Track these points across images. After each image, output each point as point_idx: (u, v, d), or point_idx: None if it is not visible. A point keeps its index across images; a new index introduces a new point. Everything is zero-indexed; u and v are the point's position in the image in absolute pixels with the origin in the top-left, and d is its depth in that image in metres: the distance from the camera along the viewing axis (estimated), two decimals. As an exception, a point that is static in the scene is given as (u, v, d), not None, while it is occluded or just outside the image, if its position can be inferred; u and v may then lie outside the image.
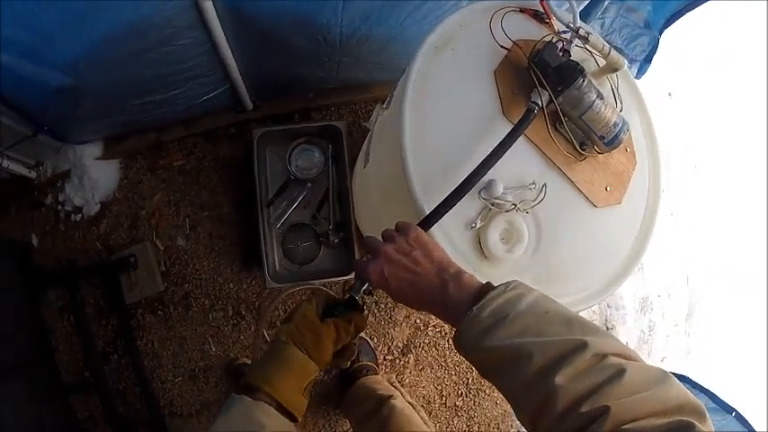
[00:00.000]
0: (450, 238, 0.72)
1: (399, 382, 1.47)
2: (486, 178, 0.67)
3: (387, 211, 0.99)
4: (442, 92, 0.74)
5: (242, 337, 1.42)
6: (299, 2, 0.95)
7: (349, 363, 0.71)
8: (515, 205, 0.71)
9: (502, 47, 0.76)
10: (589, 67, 0.80)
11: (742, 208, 1.98)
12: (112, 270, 1.37)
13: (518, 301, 0.49)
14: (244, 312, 1.41)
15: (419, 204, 0.69)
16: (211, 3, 0.88)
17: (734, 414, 1.53)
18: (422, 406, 1.50)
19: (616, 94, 0.82)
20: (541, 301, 0.50)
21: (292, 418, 0.55)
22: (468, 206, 0.71)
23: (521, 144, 0.72)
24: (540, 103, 0.69)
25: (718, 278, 1.95)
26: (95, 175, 1.43)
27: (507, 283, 0.51)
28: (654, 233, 0.85)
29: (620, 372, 0.40)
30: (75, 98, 1.05)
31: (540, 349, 0.44)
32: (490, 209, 0.71)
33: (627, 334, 1.83)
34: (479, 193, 0.70)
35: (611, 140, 0.72)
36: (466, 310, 0.50)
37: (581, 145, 0.76)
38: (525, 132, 0.71)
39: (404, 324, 1.48)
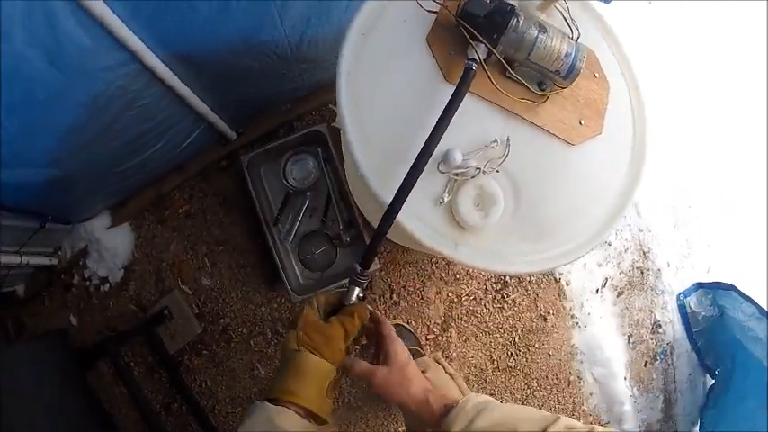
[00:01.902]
0: (422, 219, 0.71)
1: (447, 357, 1.50)
2: (441, 150, 0.66)
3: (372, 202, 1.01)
4: (379, 76, 0.73)
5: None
6: (236, 30, 0.97)
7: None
8: (479, 169, 0.70)
9: (429, 11, 0.73)
10: (532, 3, 0.78)
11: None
12: (150, 326, 1.45)
13: (486, 404, 0.60)
14: (281, 330, 1.48)
15: (379, 198, 0.68)
16: (158, 59, 0.90)
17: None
18: (475, 375, 1.52)
19: (569, 22, 0.80)
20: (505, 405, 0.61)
21: (320, 421, 0.58)
22: (432, 182, 0.70)
23: (471, 104, 0.71)
24: (477, 57, 0.67)
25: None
26: (111, 244, 1.52)
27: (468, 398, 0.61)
28: (649, 156, 0.82)
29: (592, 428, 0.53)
30: (66, 185, 1.11)
31: (523, 425, 0.54)
32: (455, 179, 0.70)
33: (667, 249, 1.78)
34: (438, 166, 0.69)
35: (568, 72, 0.70)
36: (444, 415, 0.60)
37: (539, 85, 0.74)
38: (473, 90, 0.70)
39: (437, 300, 1.51)
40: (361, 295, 0.66)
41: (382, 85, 0.73)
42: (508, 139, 0.71)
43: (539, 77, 0.73)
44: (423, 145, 0.63)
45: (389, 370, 0.65)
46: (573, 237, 0.78)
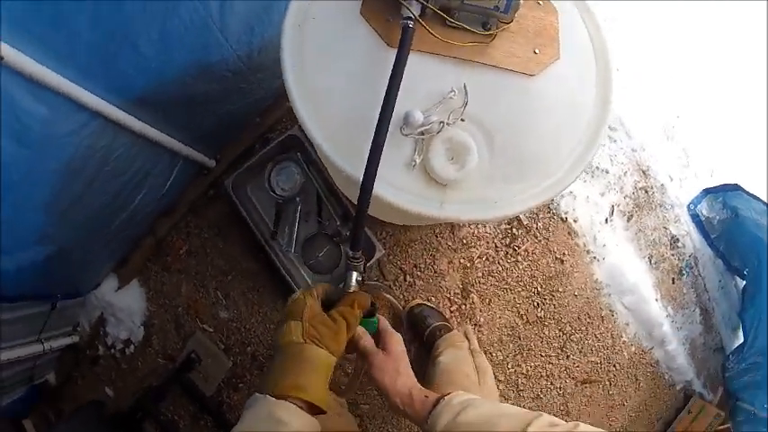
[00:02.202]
0: (399, 186, 0.70)
1: (475, 324, 1.50)
2: (400, 114, 0.66)
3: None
4: (325, 61, 0.73)
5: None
6: (184, 59, 0.96)
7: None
8: (443, 123, 0.69)
9: None
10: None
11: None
12: (181, 374, 1.45)
13: (471, 402, 0.63)
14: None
15: (352, 176, 0.68)
16: (117, 109, 0.90)
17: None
18: (507, 335, 1.52)
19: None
20: (489, 402, 0.64)
21: (319, 411, 0.59)
22: (400, 147, 0.70)
23: (419, 62, 0.70)
24: (412, 14, 0.67)
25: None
26: (125, 304, 1.52)
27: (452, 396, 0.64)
28: (615, 73, 0.81)
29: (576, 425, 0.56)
30: (64, 257, 1.10)
31: (505, 420, 0.57)
32: (422, 139, 0.70)
33: (665, 163, 1.76)
34: (401, 130, 0.68)
35: (508, 5, 0.69)
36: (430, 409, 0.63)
37: (483, 26, 0.73)
38: (417, 48, 0.69)
39: (450, 270, 1.50)
40: (360, 279, 0.66)
41: (330, 69, 0.74)
42: (465, 86, 0.70)
43: (481, 18, 0.72)
44: (379, 119, 0.63)
45: (386, 358, 0.69)
46: (557, 166, 0.77)
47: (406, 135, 0.68)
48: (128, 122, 0.96)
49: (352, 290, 0.67)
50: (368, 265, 1.36)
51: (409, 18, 0.66)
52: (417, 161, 0.70)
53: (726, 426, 1.68)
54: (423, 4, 0.68)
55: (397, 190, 0.70)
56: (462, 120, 0.70)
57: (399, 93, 0.63)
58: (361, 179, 0.62)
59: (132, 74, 0.90)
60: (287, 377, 0.58)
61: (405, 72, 0.64)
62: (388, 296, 1.47)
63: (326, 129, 0.72)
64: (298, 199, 1.49)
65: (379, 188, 0.66)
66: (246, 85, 1.28)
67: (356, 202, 0.63)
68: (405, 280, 1.48)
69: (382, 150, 0.62)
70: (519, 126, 0.73)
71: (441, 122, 0.68)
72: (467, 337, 1.29)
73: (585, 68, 0.82)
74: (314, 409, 0.59)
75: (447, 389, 0.66)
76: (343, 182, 1.03)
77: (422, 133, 0.69)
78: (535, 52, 0.75)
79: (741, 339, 1.94)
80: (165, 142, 1.15)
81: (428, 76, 0.71)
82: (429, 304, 1.48)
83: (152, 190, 1.28)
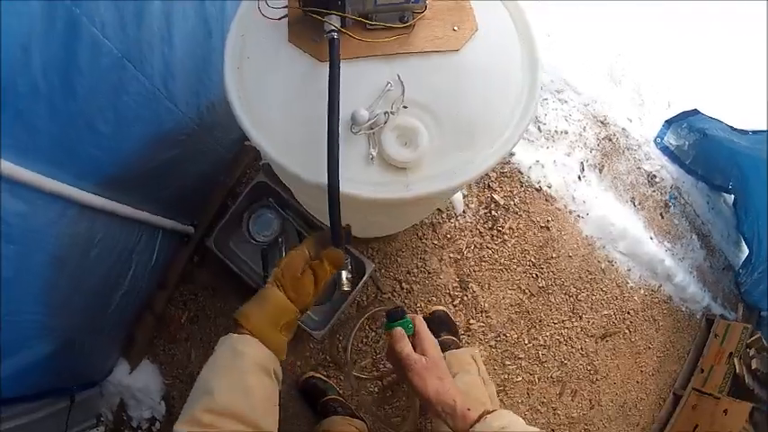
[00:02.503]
0: (364, 181, 0.75)
1: (482, 311, 1.51)
2: (346, 117, 0.71)
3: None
4: (267, 91, 0.79)
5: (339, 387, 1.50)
6: (141, 132, 1.00)
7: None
8: (388, 113, 0.74)
9: (282, 18, 0.79)
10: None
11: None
12: None
13: (510, 425, 0.63)
14: (325, 373, 1.49)
15: (320, 184, 0.72)
16: (89, 194, 0.93)
17: (750, 133, 1.55)
18: (515, 313, 1.53)
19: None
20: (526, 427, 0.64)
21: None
22: (354, 145, 0.75)
23: (352, 67, 0.75)
24: (334, 27, 0.72)
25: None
26: (141, 384, 1.53)
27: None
28: (536, 30, 0.86)
29: None
30: (69, 348, 1.11)
31: None
32: (372, 132, 0.75)
33: (620, 108, 1.80)
34: (351, 130, 0.74)
35: None
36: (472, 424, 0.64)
37: (401, 20, 0.77)
38: (347, 56, 0.74)
39: (443, 267, 1.52)
40: (349, 276, 0.70)
41: (274, 96, 0.80)
42: (399, 77, 0.75)
43: (397, 14, 0.78)
44: (329, 125, 0.67)
45: (427, 364, 0.70)
46: (503, 125, 0.82)
47: (356, 133, 0.74)
48: (101, 205, 0.99)
49: (345, 288, 0.71)
50: (362, 281, 1.37)
51: (333, 30, 0.71)
52: (374, 154, 0.75)
53: (756, 336, 1.68)
54: (341, 15, 0.73)
55: (363, 185, 0.74)
56: (405, 107, 0.75)
57: (342, 98, 0.69)
58: (327, 183, 0.67)
59: (96, 155, 0.94)
60: (245, 306, 0.66)
61: (342, 79, 0.69)
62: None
63: (283, 148, 0.77)
64: (280, 240, 1.51)
65: (347, 187, 0.70)
66: (204, 145, 1.32)
67: (328, 206, 0.67)
68: (402, 288, 1.49)
69: (339, 154, 0.67)
70: (457, 98, 0.79)
71: (386, 113, 0.74)
72: (475, 362, 1.28)
73: (506, 32, 0.88)
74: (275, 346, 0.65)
75: None
76: (312, 198, 1.07)
77: (371, 128, 0.74)
78: (454, 29, 0.80)
79: (746, 252, 1.96)
80: (141, 218, 1.18)
81: (364, 77, 0.76)
82: (445, 310, 1.47)
83: (140, 266, 1.31)
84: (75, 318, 1.10)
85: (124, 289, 1.27)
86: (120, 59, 0.86)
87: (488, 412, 0.66)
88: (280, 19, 0.79)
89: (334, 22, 0.72)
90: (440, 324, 1.44)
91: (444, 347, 1.34)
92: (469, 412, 0.66)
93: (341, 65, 0.69)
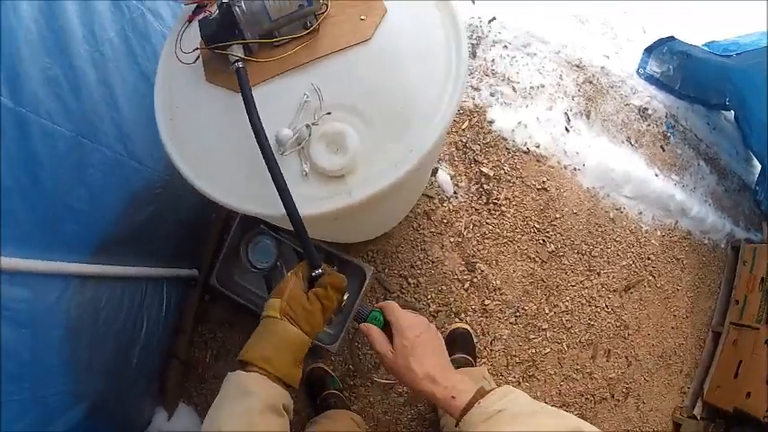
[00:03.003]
0: (308, 199, 0.73)
1: (495, 289, 1.47)
2: (271, 139, 0.70)
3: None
4: (204, 138, 0.80)
5: (369, 401, 1.48)
6: (115, 197, 1.05)
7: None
8: (310, 125, 0.73)
9: (197, 60, 0.80)
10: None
11: None
12: None
13: (512, 402, 0.59)
14: (351, 383, 1.47)
15: (279, 215, 0.72)
16: (85, 265, 0.97)
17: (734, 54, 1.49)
18: (530, 284, 1.48)
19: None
20: (530, 403, 0.60)
21: (289, 388, 0.63)
22: (287, 165, 0.74)
23: (267, 89, 0.74)
24: (239, 56, 0.71)
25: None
26: (180, 428, 1.55)
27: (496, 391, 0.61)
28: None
29: None
30: (102, 408, 1.13)
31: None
32: (300, 148, 0.74)
33: (593, 46, 1.71)
34: (280, 152, 0.73)
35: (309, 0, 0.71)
36: (470, 404, 0.60)
37: (305, 26, 0.75)
38: (259, 79, 0.74)
39: (446, 253, 1.49)
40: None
41: (209, 141, 0.80)
42: (314, 86, 0.74)
43: (300, 23, 0.77)
44: (262, 154, 0.67)
45: (395, 358, 0.67)
46: (437, 99, 0.78)
47: (285, 154, 0.73)
48: (98, 271, 1.03)
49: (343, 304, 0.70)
50: (363, 287, 1.35)
51: (237, 61, 0.71)
52: (307, 169, 0.74)
53: None
54: (242, 44, 0.73)
55: (304, 202, 0.72)
56: (329, 113, 0.74)
57: (265, 122, 0.69)
58: (286, 212, 0.67)
59: (79, 230, 0.98)
60: (256, 347, 0.62)
61: (261, 103, 0.69)
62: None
63: (229, 188, 0.78)
64: (279, 263, 1.49)
65: (303, 207, 0.70)
66: (182, 191, 1.33)
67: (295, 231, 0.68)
68: (409, 284, 1.47)
69: (284, 180, 0.67)
70: (380, 88, 0.76)
71: (308, 126, 0.73)
72: (484, 378, 1.24)
73: (420, 6, 0.84)
74: (283, 386, 0.62)
75: None
76: (280, 222, 1.08)
77: (298, 143, 0.73)
78: (362, 19, 0.78)
79: (758, 167, 1.85)
80: (139, 274, 1.21)
81: (280, 95, 0.75)
82: (467, 328, 1.44)
83: (152, 318, 1.34)
84: (99, 381, 1.14)
85: (141, 343, 1.30)
86: (75, 138, 0.90)
87: (483, 394, 0.60)
88: (195, 61, 0.80)
89: (237, 52, 0.72)
90: (461, 343, 1.40)
91: (455, 367, 1.29)
92: (454, 400, 0.61)
93: (254, 90, 0.70)
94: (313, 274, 0.69)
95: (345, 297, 0.71)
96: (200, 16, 0.76)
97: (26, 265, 0.81)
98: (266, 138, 0.67)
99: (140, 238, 1.20)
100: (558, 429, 0.55)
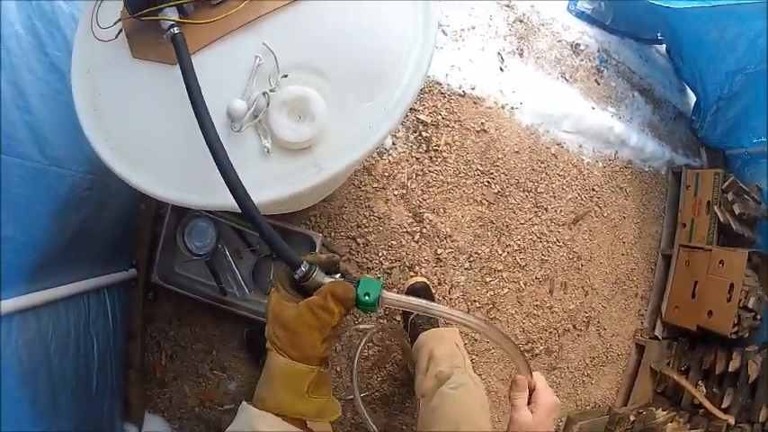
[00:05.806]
0: (270, 181, 0.64)
1: (445, 237, 1.44)
2: (221, 116, 0.61)
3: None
4: (137, 125, 0.70)
5: (336, 370, 1.46)
6: (43, 211, 0.96)
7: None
8: (267, 92, 0.63)
9: (119, 34, 0.68)
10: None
11: None
12: None
13: None
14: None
15: (222, 203, 0.63)
16: (24, 297, 0.90)
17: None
18: (480, 226, 1.45)
19: None
20: None
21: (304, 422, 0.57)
22: (243, 144, 0.64)
23: (209, 55, 0.65)
24: (173, 21, 0.61)
25: None
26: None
27: None
28: None
29: None
30: None
31: None
32: (258, 121, 0.64)
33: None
34: (232, 128, 0.62)
35: None
36: None
37: None
38: (200, 45, 0.64)
39: (391, 207, 1.51)
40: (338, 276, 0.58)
41: (144, 127, 0.70)
42: (266, 45, 0.63)
43: None
44: (202, 133, 0.57)
45: (535, 424, 0.62)
46: (406, 53, 0.71)
47: (240, 130, 0.62)
48: (39, 300, 0.96)
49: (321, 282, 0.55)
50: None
51: (172, 26, 0.61)
52: (268, 145, 0.64)
53: (730, 179, 1.61)
54: (176, 4, 0.62)
55: (266, 184, 0.63)
56: (285, 75, 0.64)
57: (210, 95, 0.58)
58: (235, 199, 0.55)
59: (15, 258, 0.90)
60: (257, 387, 0.55)
61: (201, 76, 0.59)
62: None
63: (171, 180, 0.68)
64: (220, 245, 1.39)
65: (253, 195, 0.57)
66: (111, 188, 1.29)
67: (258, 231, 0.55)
68: (358, 244, 1.45)
69: (229, 161, 0.55)
70: (341, 42, 0.68)
71: (264, 94, 0.62)
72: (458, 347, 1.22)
73: None
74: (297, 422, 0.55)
75: None
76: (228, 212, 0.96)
77: (255, 116, 0.62)
78: None
79: (693, 96, 1.88)
80: (79, 289, 1.15)
81: (226, 62, 0.65)
82: (426, 282, 1.43)
83: (101, 332, 1.28)
84: (68, 414, 1.09)
85: (97, 362, 1.24)
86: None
87: None
88: (117, 36, 0.69)
89: (170, 15, 0.62)
90: (422, 297, 1.33)
91: (419, 323, 1.31)
92: None
93: (194, 59, 0.59)
94: (296, 275, 0.54)
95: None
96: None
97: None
98: (207, 111, 0.56)
99: (75, 249, 1.12)
100: None
